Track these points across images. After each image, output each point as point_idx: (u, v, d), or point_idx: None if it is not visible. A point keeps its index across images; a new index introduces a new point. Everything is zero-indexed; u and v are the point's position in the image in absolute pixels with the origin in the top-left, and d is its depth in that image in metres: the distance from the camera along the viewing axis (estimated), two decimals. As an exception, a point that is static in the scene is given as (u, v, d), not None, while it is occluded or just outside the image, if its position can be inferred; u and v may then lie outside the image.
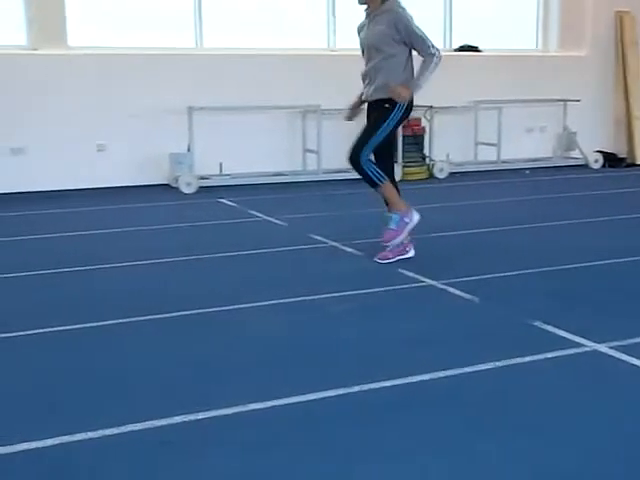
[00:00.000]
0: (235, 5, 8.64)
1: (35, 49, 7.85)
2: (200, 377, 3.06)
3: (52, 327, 3.63)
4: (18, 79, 7.65)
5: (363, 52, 4.92)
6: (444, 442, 2.49)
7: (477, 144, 9.31)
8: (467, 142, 9.29)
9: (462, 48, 9.61)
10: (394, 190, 4.87)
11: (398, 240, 4.84)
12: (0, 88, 7.57)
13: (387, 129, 4.72)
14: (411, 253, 4.95)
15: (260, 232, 5.90)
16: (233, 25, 8.59)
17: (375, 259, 4.84)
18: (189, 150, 7.94)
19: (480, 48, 9.65)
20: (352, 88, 8.68)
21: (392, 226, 4.84)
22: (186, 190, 7.76)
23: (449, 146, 9.07)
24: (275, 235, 5.75)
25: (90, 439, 2.50)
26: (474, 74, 9.32)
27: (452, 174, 8.82)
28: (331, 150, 8.44)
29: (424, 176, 8.73)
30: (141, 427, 2.59)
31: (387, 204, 4.94)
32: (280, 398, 2.80)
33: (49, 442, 2.48)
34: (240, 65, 8.34)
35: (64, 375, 3.10)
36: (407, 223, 4.84)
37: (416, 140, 8.78)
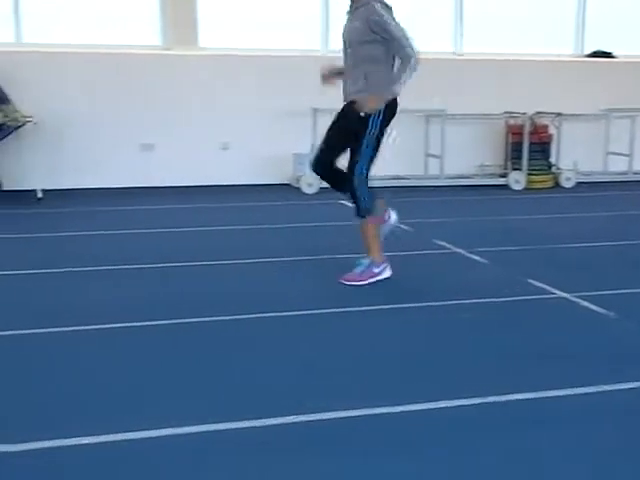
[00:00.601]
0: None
1: (168, 49, 8.11)
2: (359, 371, 3.05)
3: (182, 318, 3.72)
4: (151, 78, 7.92)
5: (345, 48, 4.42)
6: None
7: (607, 154, 8.94)
8: (596, 151, 8.93)
9: (595, 54, 9.26)
10: (376, 235, 4.44)
11: (356, 284, 4.35)
12: (134, 86, 7.87)
13: (371, 140, 4.24)
14: (387, 274, 4.44)
15: (384, 236, 5.84)
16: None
17: (340, 279, 4.38)
18: (312, 151, 7.98)
19: (614, 54, 9.27)
20: (479, 93, 8.53)
21: (357, 270, 4.39)
22: (307, 190, 7.82)
23: (577, 154, 8.75)
24: (400, 239, 5.68)
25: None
26: (606, 81, 8.96)
27: (579, 184, 8.50)
28: (453, 155, 8.34)
29: (549, 185, 8.46)
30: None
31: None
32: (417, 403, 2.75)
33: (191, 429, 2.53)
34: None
35: (172, 368, 3.15)
36: (375, 274, 4.37)
37: (542, 147, 8.51)
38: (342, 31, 4.41)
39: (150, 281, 4.50)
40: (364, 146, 4.25)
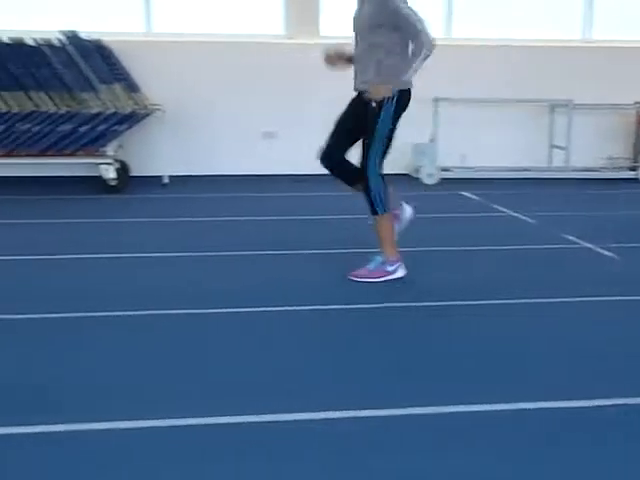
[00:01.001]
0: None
1: (291, 38, 8.17)
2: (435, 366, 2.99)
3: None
4: (274, 66, 8.01)
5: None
6: None
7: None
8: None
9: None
10: (390, 232, 4.22)
11: (366, 281, 4.17)
12: (257, 74, 7.97)
13: (383, 132, 4.05)
14: (400, 273, 4.23)
15: (508, 228, 5.71)
16: (482, 15, 8.41)
17: (350, 275, 4.21)
18: (432, 141, 7.89)
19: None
20: (608, 82, 8.17)
21: (370, 266, 4.19)
22: (428, 181, 7.73)
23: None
24: (525, 232, 5.54)
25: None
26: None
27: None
28: (580, 147, 8.05)
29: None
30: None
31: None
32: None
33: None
34: (486, 56, 8.15)
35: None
36: (387, 273, 4.17)
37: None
38: (353, 16, 4.19)
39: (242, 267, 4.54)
40: (375, 139, 4.05)
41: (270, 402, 2.66)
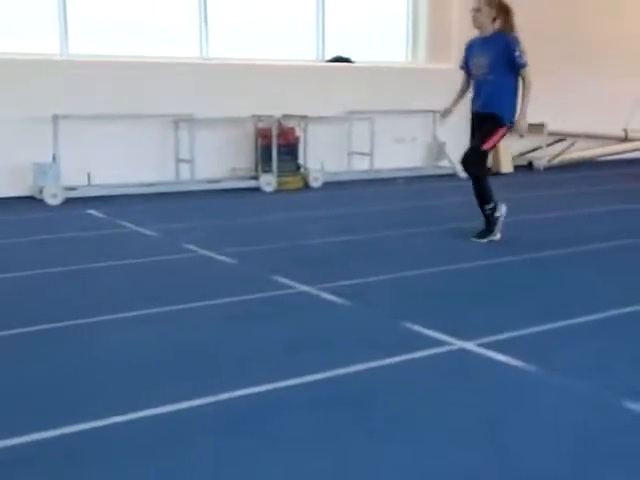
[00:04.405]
0: (101, 10, 8.40)
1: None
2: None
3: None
4: None
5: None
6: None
7: (350, 154, 9.42)
8: (341, 152, 9.39)
9: (335, 59, 9.72)
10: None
11: None
12: None
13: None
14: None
15: (131, 243, 5.71)
16: (100, 30, 8.34)
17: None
18: (54, 160, 7.61)
19: (352, 59, 9.79)
20: (227, 96, 8.59)
21: None
22: (51, 202, 7.41)
23: (323, 155, 9.13)
24: (148, 246, 5.57)
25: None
26: (347, 85, 9.45)
27: (326, 183, 8.87)
28: (204, 160, 8.34)
29: (299, 185, 8.74)
30: None
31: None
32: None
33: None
34: (108, 72, 8.10)
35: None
36: None
37: (290, 150, 8.78)
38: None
39: None
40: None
41: None
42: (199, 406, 2.75)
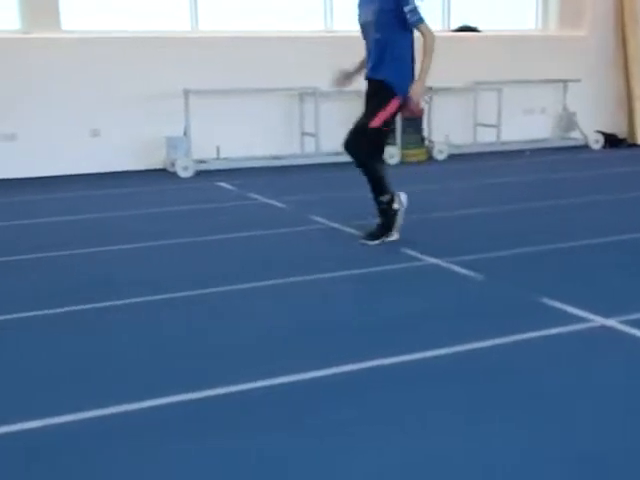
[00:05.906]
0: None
1: (28, 32, 7.73)
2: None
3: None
4: (10, 64, 7.53)
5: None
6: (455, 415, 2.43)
7: (476, 125, 9.20)
8: (466, 123, 9.19)
9: (461, 29, 9.50)
10: None
11: None
12: (-7, 72, 7.46)
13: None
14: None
15: (262, 214, 5.82)
16: (228, 7, 8.48)
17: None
18: (185, 134, 7.84)
19: (479, 29, 9.54)
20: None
21: None
22: (183, 174, 7.66)
23: (448, 127, 8.97)
24: (277, 217, 5.67)
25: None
26: (473, 55, 9.20)
27: (452, 156, 8.72)
28: (326, 133, 8.36)
29: (423, 158, 8.64)
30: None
31: None
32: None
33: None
34: (236, 48, 8.24)
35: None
36: None
37: (415, 122, 8.67)
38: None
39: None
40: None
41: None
42: (351, 371, 2.78)
